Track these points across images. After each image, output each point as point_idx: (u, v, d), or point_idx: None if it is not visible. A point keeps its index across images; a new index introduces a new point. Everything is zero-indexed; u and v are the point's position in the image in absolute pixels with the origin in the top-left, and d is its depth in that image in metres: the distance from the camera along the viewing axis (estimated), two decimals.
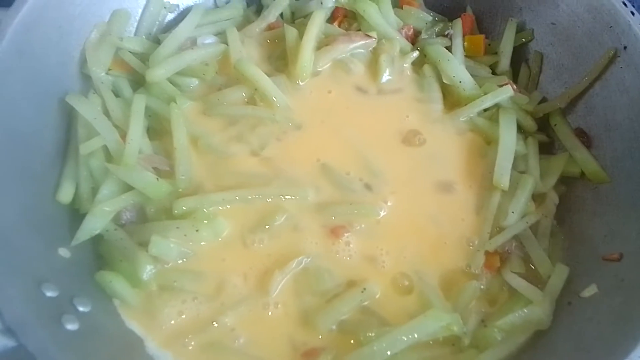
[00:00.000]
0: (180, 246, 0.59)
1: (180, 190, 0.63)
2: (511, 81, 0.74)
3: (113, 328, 0.56)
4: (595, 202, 0.65)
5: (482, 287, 0.60)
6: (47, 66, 0.63)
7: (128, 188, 0.61)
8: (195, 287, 0.58)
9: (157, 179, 0.61)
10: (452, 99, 0.73)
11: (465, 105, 0.71)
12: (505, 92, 0.70)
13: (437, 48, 0.74)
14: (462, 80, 0.72)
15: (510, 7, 0.78)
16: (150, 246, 0.57)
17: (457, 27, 0.78)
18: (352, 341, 0.56)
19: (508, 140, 0.67)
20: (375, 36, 0.75)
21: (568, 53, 0.73)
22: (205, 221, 0.60)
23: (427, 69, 0.74)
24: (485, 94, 0.71)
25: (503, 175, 0.64)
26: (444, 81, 0.73)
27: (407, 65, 0.75)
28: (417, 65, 0.76)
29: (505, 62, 0.77)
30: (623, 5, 0.67)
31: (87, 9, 0.68)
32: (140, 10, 0.75)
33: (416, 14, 0.80)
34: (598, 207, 0.65)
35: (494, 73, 0.77)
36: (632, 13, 0.66)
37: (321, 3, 0.77)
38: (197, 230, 0.59)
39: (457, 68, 0.72)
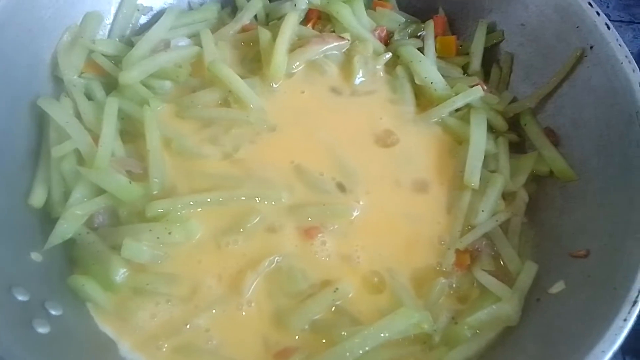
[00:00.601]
0: (153, 249, 0.59)
1: (153, 193, 0.63)
2: (482, 81, 0.75)
3: (86, 331, 0.56)
4: (564, 200, 0.67)
5: (453, 284, 0.61)
6: (18, 69, 0.63)
7: (100, 191, 0.61)
8: (169, 290, 0.58)
9: (130, 181, 0.61)
10: (424, 100, 0.74)
11: (437, 105, 0.72)
12: (476, 93, 0.72)
13: (409, 49, 0.75)
14: (433, 81, 0.73)
15: (481, 9, 0.79)
16: (123, 249, 0.57)
17: (429, 29, 0.79)
18: (324, 340, 0.56)
19: (478, 140, 0.68)
20: (349, 38, 0.76)
21: (537, 53, 0.74)
22: (178, 224, 0.60)
23: (399, 70, 0.75)
24: (456, 94, 0.72)
25: (473, 174, 0.65)
26: (416, 82, 0.74)
27: (380, 66, 0.76)
28: (390, 66, 0.77)
29: (476, 62, 0.78)
30: (589, 6, 0.68)
31: (59, 12, 0.68)
32: (113, 13, 0.75)
33: (389, 16, 0.81)
34: (566, 205, 0.66)
35: (465, 74, 0.78)
36: (598, 13, 0.68)
37: (294, 5, 0.78)
38: (169, 233, 0.59)
39: (429, 69, 0.73)
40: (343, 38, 0.76)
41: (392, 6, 0.83)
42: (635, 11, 1.11)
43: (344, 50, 0.77)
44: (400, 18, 0.81)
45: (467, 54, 0.79)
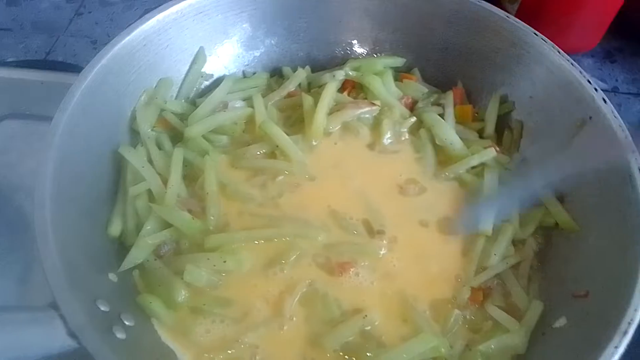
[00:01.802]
0: (210, 275, 0.69)
1: (210, 228, 0.73)
2: (495, 144, 0.85)
3: (152, 342, 0.64)
4: (568, 248, 0.74)
5: (467, 317, 0.69)
6: (105, 123, 0.75)
7: (167, 225, 0.72)
8: (223, 310, 0.67)
9: (192, 218, 0.72)
10: (444, 158, 0.84)
11: (455, 163, 0.82)
12: (489, 154, 0.82)
13: (431, 115, 0.86)
14: (452, 142, 0.83)
15: (495, 83, 0.90)
16: (185, 273, 0.67)
17: (448, 98, 0.90)
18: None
19: (491, 186, 0.77)
20: (379, 104, 0.87)
21: (544, 121, 0.84)
22: (231, 254, 0.70)
23: (422, 132, 0.86)
24: (472, 154, 0.82)
25: (488, 222, 0.74)
26: (437, 143, 0.84)
27: (405, 129, 0.86)
28: (415, 129, 0.87)
29: (490, 127, 0.88)
30: (588, 83, 0.78)
31: (139, 77, 0.81)
32: (181, 79, 0.88)
33: (414, 87, 0.92)
34: (570, 252, 0.73)
35: (480, 137, 0.88)
36: (596, 89, 0.77)
37: (334, 76, 0.90)
38: (224, 262, 0.69)
39: (449, 132, 0.84)
40: (374, 104, 0.87)
41: (416, 78, 0.94)
42: None
43: (374, 114, 0.87)
44: (423, 88, 0.93)
45: (482, 120, 0.89)
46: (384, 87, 0.89)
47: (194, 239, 0.72)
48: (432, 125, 0.85)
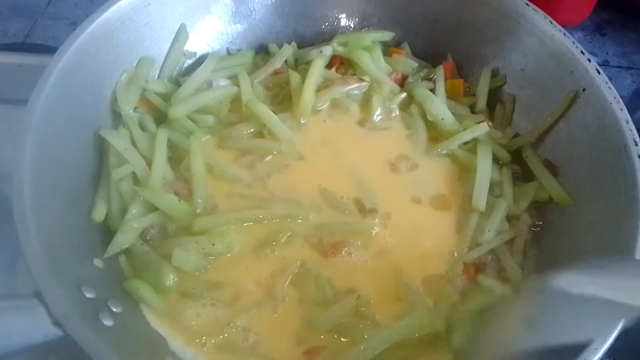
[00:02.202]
0: (199, 258, 0.67)
1: (197, 211, 0.71)
2: (487, 119, 0.84)
3: (141, 327, 0.63)
4: (562, 222, 0.74)
5: (459, 287, 0.68)
6: (84, 105, 0.72)
7: (153, 209, 0.70)
8: (212, 294, 0.66)
9: (179, 200, 0.70)
10: (435, 134, 0.83)
11: (447, 139, 0.81)
12: (482, 129, 0.80)
13: (422, 90, 0.84)
14: (444, 118, 0.82)
15: (486, 56, 0.88)
16: (173, 257, 0.65)
17: (439, 73, 0.88)
18: (347, 340, 0.63)
19: (484, 169, 0.76)
20: (368, 80, 0.85)
21: (536, 95, 0.83)
22: (220, 237, 0.68)
23: (413, 108, 0.84)
24: (464, 129, 0.81)
25: (480, 199, 0.73)
26: (429, 118, 0.83)
27: (395, 105, 0.85)
28: (405, 105, 0.86)
29: (482, 102, 0.87)
30: (581, 54, 0.76)
31: (119, 56, 0.78)
32: (163, 57, 0.85)
33: (403, 61, 0.90)
34: (564, 227, 0.73)
35: (472, 112, 0.87)
36: (589, 60, 0.76)
37: (320, 52, 0.88)
38: (213, 245, 0.67)
39: (440, 107, 0.82)
40: (363, 80, 0.85)
41: (406, 53, 0.92)
42: (633, 58, 1.20)
43: (363, 90, 0.86)
44: (413, 63, 0.91)
45: (474, 95, 0.88)
46: (373, 62, 0.87)
47: (181, 222, 0.70)
48: (423, 100, 0.83)
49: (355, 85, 0.85)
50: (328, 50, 0.88)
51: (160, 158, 0.73)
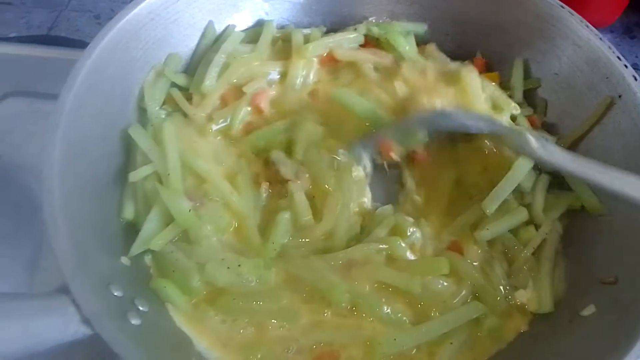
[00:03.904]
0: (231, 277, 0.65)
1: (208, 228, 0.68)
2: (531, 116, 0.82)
3: (167, 327, 0.63)
4: (595, 232, 0.72)
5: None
6: (112, 101, 0.72)
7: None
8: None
9: (189, 210, 0.67)
10: None
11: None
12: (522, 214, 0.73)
13: (467, 68, 0.80)
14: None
15: (517, 57, 0.86)
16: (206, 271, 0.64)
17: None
18: None
19: (517, 174, 0.71)
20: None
21: (569, 100, 0.80)
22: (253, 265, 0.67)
23: None
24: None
25: (493, 202, 0.70)
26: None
27: None
28: None
29: (518, 94, 0.84)
30: (617, 59, 0.74)
31: (146, 53, 0.77)
32: (190, 54, 0.84)
33: (435, 54, 0.88)
34: (597, 237, 0.71)
35: None
36: (626, 66, 0.74)
37: (355, 29, 0.87)
38: (239, 266, 0.65)
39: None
40: (397, 62, 0.83)
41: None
42: None
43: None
44: (444, 57, 0.88)
45: (508, 89, 0.85)
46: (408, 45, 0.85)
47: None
48: (467, 83, 0.77)
49: (386, 59, 0.83)
50: (362, 29, 0.86)
51: (173, 156, 0.70)
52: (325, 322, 0.65)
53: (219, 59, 0.79)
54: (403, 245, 0.69)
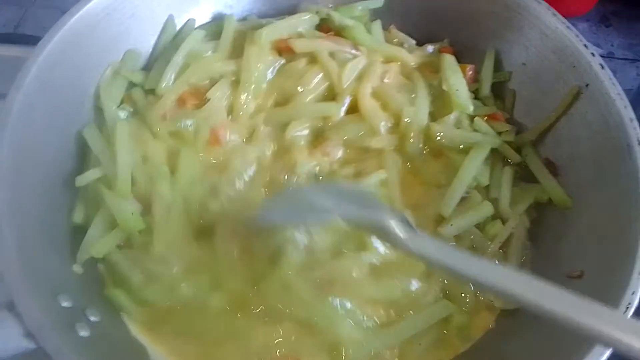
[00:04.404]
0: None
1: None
2: (498, 110, 0.80)
3: (121, 337, 0.61)
4: (561, 226, 0.71)
5: None
6: (66, 100, 0.70)
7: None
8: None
9: (133, 213, 0.65)
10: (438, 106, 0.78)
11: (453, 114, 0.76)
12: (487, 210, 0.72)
13: (448, 57, 0.79)
14: (458, 89, 0.76)
15: (486, 50, 0.84)
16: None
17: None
18: None
19: (466, 174, 0.70)
20: (364, 51, 0.78)
21: (537, 90, 0.79)
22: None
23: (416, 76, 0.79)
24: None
25: (449, 205, 0.69)
26: (443, 87, 0.77)
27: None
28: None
29: (486, 87, 0.82)
30: (585, 47, 0.73)
31: (103, 49, 0.75)
32: (149, 51, 0.82)
33: (401, 37, 0.86)
34: (563, 231, 0.70)
35: (476, 98, 0.82)
36: (593, 54, 0.72)
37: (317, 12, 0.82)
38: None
39: (460, 78, 0.78)
40: (358, 49, 0.78)
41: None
42: (639, 50, 1.16)
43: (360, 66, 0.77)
44: (410, 40, 0.86)
45: (476, 81, 0.84)
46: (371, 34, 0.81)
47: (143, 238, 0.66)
48: (447, 67, 0.76)
49: (349, 50, 0.77)
50: (321, 13, 0.81)
51: (123, 157, 0.67)
52: (284, 337, 0.63)
53: (177, 59, 0.76)
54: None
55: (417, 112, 0.75)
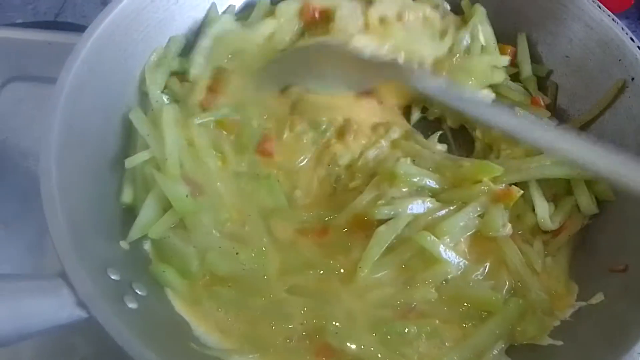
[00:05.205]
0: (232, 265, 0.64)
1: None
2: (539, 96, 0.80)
3: (165, 311, 0.62)
4: (602, 218, 0.70)
5: None
6: (113, 83, 0.71)
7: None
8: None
9: (187, 195, 0.66)
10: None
11: None
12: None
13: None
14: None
15: (528, 41, 0.84)
16: (208, 257, 0.63)
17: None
18: None
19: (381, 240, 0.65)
20: None
21: (581, 83, 0.78)
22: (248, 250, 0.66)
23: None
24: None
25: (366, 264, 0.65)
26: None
27: None
28: None
29: (526, 68, 0.82)
30: (631, 41, 0.72)
31: (148, 36, 0.76)
32: (193, 37, 0.82)
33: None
34: (605, 224, 0.69)
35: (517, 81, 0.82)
36: (639, 47, 0.72)
37: None
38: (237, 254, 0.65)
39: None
40: None
41: None
42: None
43: None
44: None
45: (515, 65, 0.83)
46: None
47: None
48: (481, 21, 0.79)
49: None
50: None
51: (172, 140, 0.68)
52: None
53: (205, 43, 0.78)
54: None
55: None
